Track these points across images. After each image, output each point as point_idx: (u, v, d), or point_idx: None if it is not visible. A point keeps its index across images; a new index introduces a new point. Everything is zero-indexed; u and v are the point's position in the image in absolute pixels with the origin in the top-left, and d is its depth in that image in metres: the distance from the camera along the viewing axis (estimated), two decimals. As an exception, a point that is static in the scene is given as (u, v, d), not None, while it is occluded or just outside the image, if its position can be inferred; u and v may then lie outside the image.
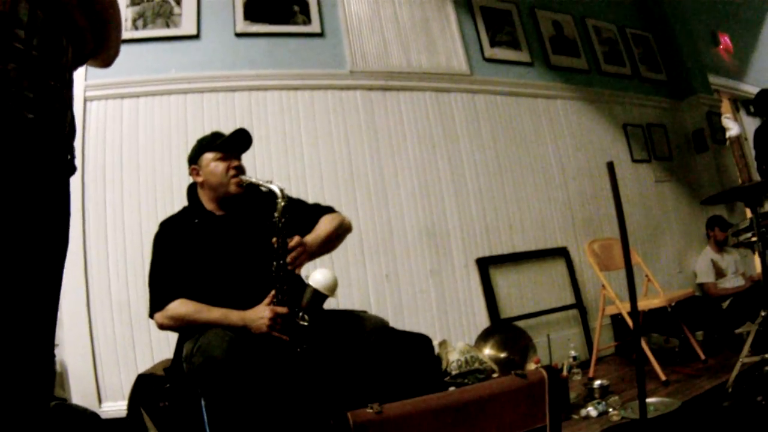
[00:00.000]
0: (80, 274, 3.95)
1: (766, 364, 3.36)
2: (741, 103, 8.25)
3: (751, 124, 7.41)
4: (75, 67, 1.46)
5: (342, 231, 2.86)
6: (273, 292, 2.47)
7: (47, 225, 1.29)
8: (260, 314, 2.40)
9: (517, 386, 2.34)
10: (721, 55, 8.08)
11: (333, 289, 2.52)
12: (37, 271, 1.26)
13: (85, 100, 4.22)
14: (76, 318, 3.89)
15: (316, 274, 2.52)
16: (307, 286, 2.52)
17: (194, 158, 2.80)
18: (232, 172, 2.71)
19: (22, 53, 1.20)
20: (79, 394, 3.77)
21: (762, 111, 5.43)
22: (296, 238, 2.55)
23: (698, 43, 7.48)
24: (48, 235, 1.30)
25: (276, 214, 2.53)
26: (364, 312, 2.75)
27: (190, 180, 2.87)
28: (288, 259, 2.51)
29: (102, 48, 1.58)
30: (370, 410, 2.06)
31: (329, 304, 2.58)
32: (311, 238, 2.66)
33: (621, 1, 7.23)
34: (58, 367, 3.79)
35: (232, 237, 2.68)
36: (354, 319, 2.63)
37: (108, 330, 3.96)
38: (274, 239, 2.51)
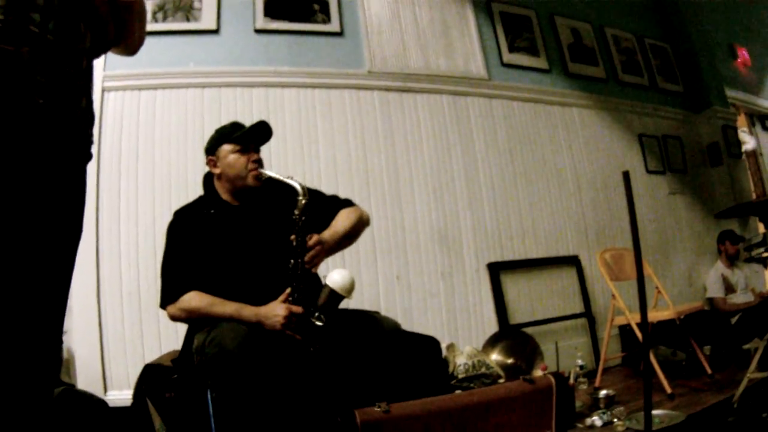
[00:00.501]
0: (92, 263, 3.97)
1: (774, 381, 3.34)
2: (757, 118, 8.21)
3: (767, 139, 7.39)
4: (95, 55, 1.45)
5: (360, 226, 2.82)
6: (289, 290, 2.44)
7: (59, 210, 1.29)
8: (275, 312, 2.37)
9: (524, 391, 2.34)
10: (739, 69, 8.03)
11: (350, 290, 2.48)
12: (49, 255, 1.27)
13: (103, 91, 4.25)
14: (86, 306, 3.91)
15: (333, 274, 2.47)
16: (324, 285, 2.48)
17: (212, 149, 2.75)
18: (251, 166, 2.66)
19: (36, 37, 1.19)
20: (85, 382, 3.78)
21: (778, 126, 5.41)
22: (315, 237, 2.51)
23: (716, 56, 7.45)
24: (60, 220, 1.30)
25: (296, 212, 2.50)
26: (377, 313, 2.73)
27: (206, 171, 2.84)
28: (306, 258, 2.48)
29: (125, 36, 1.57)
30: (378, 409, 2.07)
31: (342, 304, 2.57)
32: (329, 234, 2.62)
33: (640, 11, 7.22)
34: (65, 354, 3.80)
35: (247, 229, 2.66)
36: (369, 319, 2.61)
37: (117, 319, 3.97)
38: (293, 237, 2.48)
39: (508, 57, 5.68)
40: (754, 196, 6.67)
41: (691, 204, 6.62)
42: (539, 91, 5.76)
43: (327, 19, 4.91)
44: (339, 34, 4.97)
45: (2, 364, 1.16)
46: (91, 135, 1.42)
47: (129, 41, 1.61)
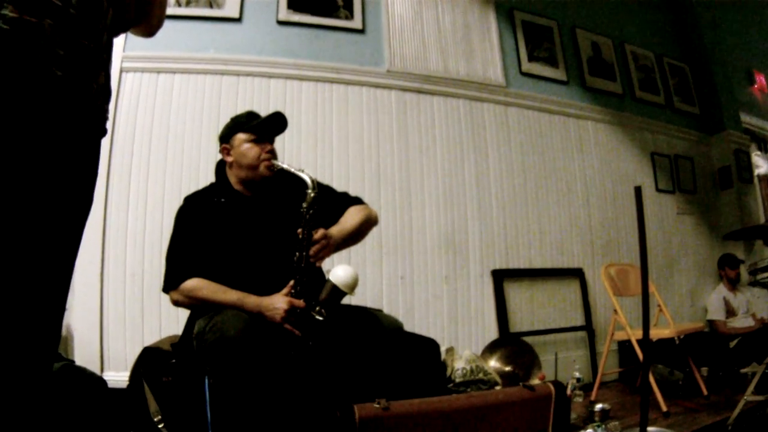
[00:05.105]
0: (97, 241, 3.98)
1: (769, 405, 3.35)
2: (771, 145, 8.20)
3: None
4: (115, 33, 1.47)
5: (368, 225, 2.81)
6: (292, 283, 2.44)
7: (71, 182, 1.30)
8: (276, 304, 2.36)
9: (524, 398, 2.34)
10: (755, 94, 8.02)
11: (353, 287, 2.47)
12: (58, 227, 1.28)
13: (121, 71, 4.26)
14: (88, 284, 3.91)
15: (337, 270, 2.46)
16: (327, 280, 2.47)
17: (226, 137, 2.75)
18: (264, 156, 2.66)
19: (59, 10, 1.21)
20: (82, 361, 3.76)
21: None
22: (321, 231, 2.50)
23: (734, 80, 7.45)
24: (71, 192, 1.31)
25: (304, 205, 2.50)
26: (380, 311, 2.73)
27: (218, 158, 2.85)
28: (311, 252, 2.47)
29: (145, 17, 1.59)
30: (377, 405, 2.07)
31: (344, 300, 2.56)
32: (336, 230, 2.61)
33: (661, 30, 7.21)
34: (63, 331, 3.79)
35: (256, 219, 2.66)
36: (371, 317, 2.60)
37: (118, 300, 3.97)
38: (300, 230, 2.47)
39: (527, 66, 5.68)
40: (762, 219, 6.65)
41: (698, 225, 6.62)
42: (555, 102, 5.76)
43: (350, 16, 4.92)
44: (361, 31, 4.97)
45: (5, 334, 1.17)
46: (106, 110, 1.43)
47: (148, 22, 1.63)
